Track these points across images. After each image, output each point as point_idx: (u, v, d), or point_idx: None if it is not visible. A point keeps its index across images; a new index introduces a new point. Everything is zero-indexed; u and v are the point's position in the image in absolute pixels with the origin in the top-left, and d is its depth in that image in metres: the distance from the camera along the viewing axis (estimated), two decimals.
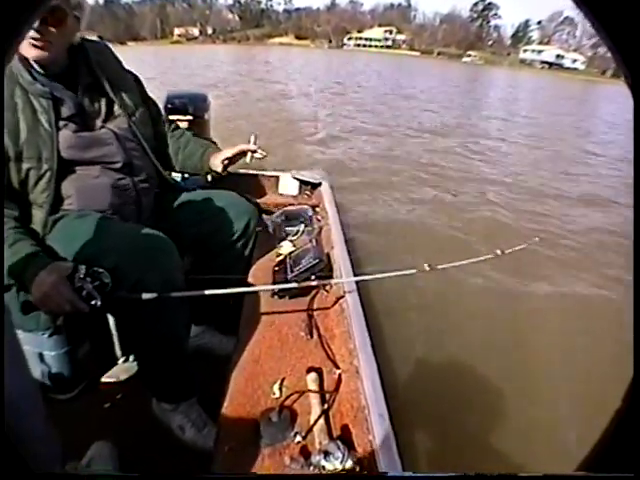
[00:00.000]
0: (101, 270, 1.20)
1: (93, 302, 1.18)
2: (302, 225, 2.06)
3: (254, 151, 1.64)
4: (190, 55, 37.31)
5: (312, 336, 1.50)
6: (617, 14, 0.25)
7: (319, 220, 2.17)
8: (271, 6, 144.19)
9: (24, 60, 1.32)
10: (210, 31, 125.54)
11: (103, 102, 1.50)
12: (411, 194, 5.17)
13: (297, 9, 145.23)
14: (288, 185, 2.58)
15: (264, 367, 1.37)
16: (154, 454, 1.40)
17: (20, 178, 1.33)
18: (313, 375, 1.33)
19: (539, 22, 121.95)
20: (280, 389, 1.30)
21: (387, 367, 1.49)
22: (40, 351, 1.48)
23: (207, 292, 1.33)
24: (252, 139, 1.63)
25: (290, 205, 2.32)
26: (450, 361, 2.29)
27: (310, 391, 1.28)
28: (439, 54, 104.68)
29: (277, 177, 2.62)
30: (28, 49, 1.29)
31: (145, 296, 1.21)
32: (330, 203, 2.33)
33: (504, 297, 3.05)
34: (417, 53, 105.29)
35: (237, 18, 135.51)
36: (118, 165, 1.48)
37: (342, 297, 1.62)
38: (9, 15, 0.27)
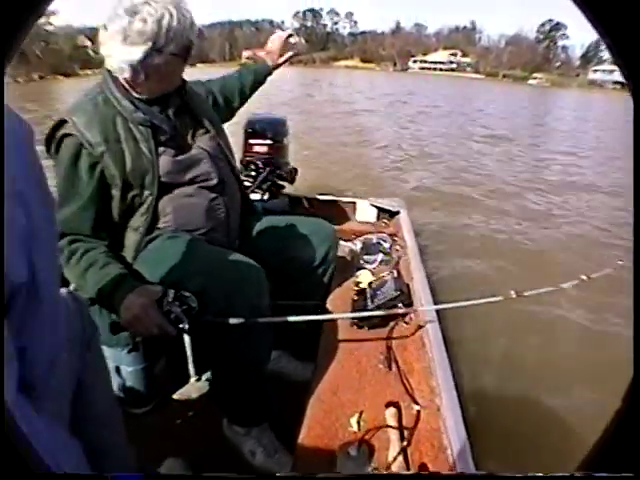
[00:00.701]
0: (188, 294, 1.22)
1: (181, 325, 1.21)
2: (380, 254, 2.04)
3: (290, 35, 1.91)
4: None
5: (391, 369, 1.46)
6: (619, 18, 0.25)
7: (397, 250, 2.14)
8: (337, 29, 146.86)
9: (123, 88, 1.38)
10: None
11: (190, 121, 1.54)
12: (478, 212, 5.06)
13: (362, 32, 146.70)
14: (366, 212, 2.56)
15: (342, 399, 1.35)
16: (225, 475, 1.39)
17: (123, 206, 1.39)
18: (392, 410, 1.30)
19: None
20: (358, 422, 1.28)
21: (468, 401, 1.42)
22: (117, 365, 1.54)
23: (291, 319, 1.36)
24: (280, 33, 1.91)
25: (368, 233, 2.29)
26: (539, 398, 2.16)
27: (389, 426, 1.25)
28: (504, 77, 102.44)
29: (355, 203, 2.61)
30: (179, 79, 1.45)
31: (232, 321, 1.23)
32: (409, 233, 2.29)
33: (594, 325, 2.88)
34: (482, 76, 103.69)
35: (303, 41, 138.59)
36: (213, 182, 1.51)
37: (422, 329, 1.58)
38: (9, 15, 0.27)
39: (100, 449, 0.97)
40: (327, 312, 1.71)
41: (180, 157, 1.46)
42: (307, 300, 1.67)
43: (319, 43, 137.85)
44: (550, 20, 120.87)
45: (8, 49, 0.29)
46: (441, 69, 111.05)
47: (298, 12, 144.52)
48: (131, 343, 1.51)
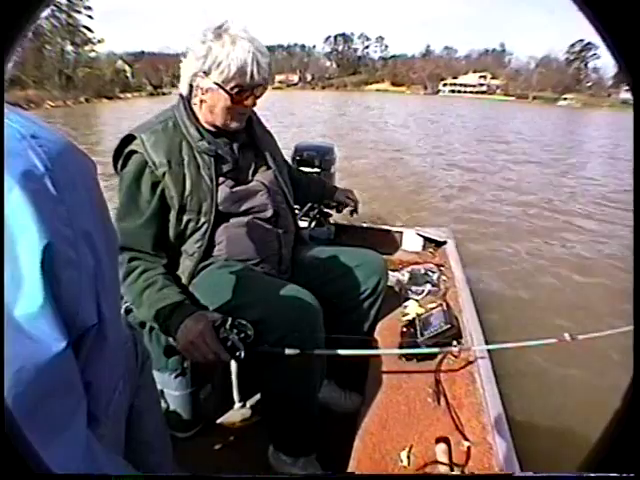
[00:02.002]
0: (245, 322, 1.23)
1: (237, 353, 1.21)
2: (428, 285, 2.01)
3: (354, 210, 1.97)
4: (293, 99, 39.14)
5: (439, 403, 1.43)
6: (619, 15, 0.24)
7: (444, 280, 2.11)
8: (367, 54, 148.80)
9: (192, 116, 1.46)
10: (309, 78, 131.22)
11: (253, 156, 1.58)
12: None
13: (393, 56, 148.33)
14: (412, 241, 2.53)
15: (391, 432, 1.32)
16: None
17: (179, 229, 1.42)
18: (442, 446, 1.26)
19: None
20: (408, 457, 1.25)
21: (520, 439, 1.37)
22: (163, 389, 1.55)
23: (345, 352, 1.37)
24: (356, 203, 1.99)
25: (415, 263, 2.26)
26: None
27: (440, 463, 1.22)
28: (534, 98, 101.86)
29: (401, 233, 2.59)
30: (232, 122, 1.45)
31: (288, 351, 1.23)
32: (456, 263, 2.26)
33: None
34: (512, 98, 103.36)
35: (335, 65, 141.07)
36: (268, 215, 1.54)
37: (471, 364, 1.55)
38: (9, 15, 0.27)
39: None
40: (375, 342, 1.70)
41: (238, 188, 1.50)
42: (355, 329, 1.66)
43: (350, 67, 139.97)
44: (580, 40, 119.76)
45: (8, 48, 0.29)
46: (471, 92, 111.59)
47: (329, 37, 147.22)
48: (179, 368, 1.53)
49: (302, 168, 2.33)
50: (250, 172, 1.56)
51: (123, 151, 1.39)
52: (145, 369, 0.94)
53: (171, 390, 1.57)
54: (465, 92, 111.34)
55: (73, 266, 0.50)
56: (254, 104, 1.46)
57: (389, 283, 1.81)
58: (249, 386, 1.69)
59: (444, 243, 2.50)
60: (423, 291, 1.99)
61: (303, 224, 2.12)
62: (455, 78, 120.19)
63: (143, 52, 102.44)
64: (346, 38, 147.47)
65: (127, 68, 70.08)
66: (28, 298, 0.44)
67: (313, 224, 2.30)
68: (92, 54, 57.80)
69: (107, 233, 0.60)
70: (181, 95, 1.47)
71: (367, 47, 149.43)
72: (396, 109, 34.75)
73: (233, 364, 1.65)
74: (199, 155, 1.42)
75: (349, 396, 1.75)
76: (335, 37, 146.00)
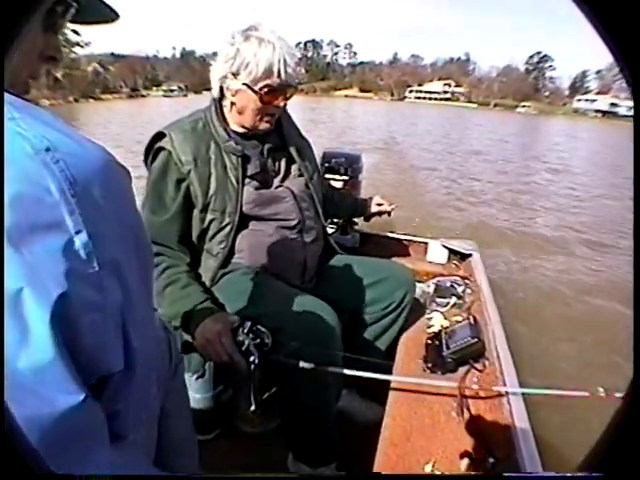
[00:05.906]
0: (264, 330, 1.24)
1: (251, 359, 1.19)
2: (453, 297, 1.95)
3: (390, 211, 2.02)
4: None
5: (464, 417, 1.36)
6: (619, 13, 0.24)
7: (469, 293, 2.06)
8: (336, 60, 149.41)
9: (222, 118, 1.48)
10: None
11: (284, 162, 1.57)
12: None
13: (361, 63, 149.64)
14: (437, 253, 2.47)
15: (415, 445, 1.25)
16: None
17: (202, 227, 1.43)
18: (467, 461, 1.19)
19: (598, 72, 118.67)
20: (432, 472, 1.19)
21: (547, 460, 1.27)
22: None
23: (358, 373, 1.37)
24: (392, 207, 2.03)
25: (440, 275, 2.21)
26: None
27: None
28: (496, 105, 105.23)
29: (426, 244, 2.52)
30: (262, 123, 1.45)
31: (302, 364, 1.23)
32: (482, 277, 2.20)
33: None
34: (474, 105, 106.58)
35: (304, 71, 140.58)
36: (292, 223, 1.51)
37: (497, 378, 1.50)
38: (9, 15, 0.27)
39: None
40: (399, 353, 1.65)
41: (263, 191, 1.48)
42: (378, 341, 1.67)
43: (319, 73, 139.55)
44: (538, 52, 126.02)
45: (8, 48, 0.29)
46: (436, 98, 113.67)
47: (299, 43, 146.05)
48: (200, 370, 1.55)
49: (330, 175, 2.36)
50: (279, 177, 1.55)
51: (153, 147, 1.42)
52: (178, 372, 0.94)
53: (192, 392, 1.53)
54: (430, 99, 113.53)
55: (95, 308, 0.44)
56: (284, 105, 1.45)
57: (415, 294, 1.81)
58: (272, 393, 1.71)
59: (469, 256, 2.44)
60: (448, 303, 1.92)
61: (329, 231, 2.05)
62: (421, 85, 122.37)
63: (113, 54, 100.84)
64: (315, 44, 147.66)
65: (102, 70, 69.31)
66: (35, 352, 0.39)
67: (338, 232, 2.37)
68: (72, 55, 57.38)
69: (140, 250, 0.54)
70: (213, 97, 1.47)
71: (336, 54, 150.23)
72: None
73: (253, 370, 1.64)
74: (226, 155, 1.42)
75: (370, 406, 1.73)
76: (305, 43, 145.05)
